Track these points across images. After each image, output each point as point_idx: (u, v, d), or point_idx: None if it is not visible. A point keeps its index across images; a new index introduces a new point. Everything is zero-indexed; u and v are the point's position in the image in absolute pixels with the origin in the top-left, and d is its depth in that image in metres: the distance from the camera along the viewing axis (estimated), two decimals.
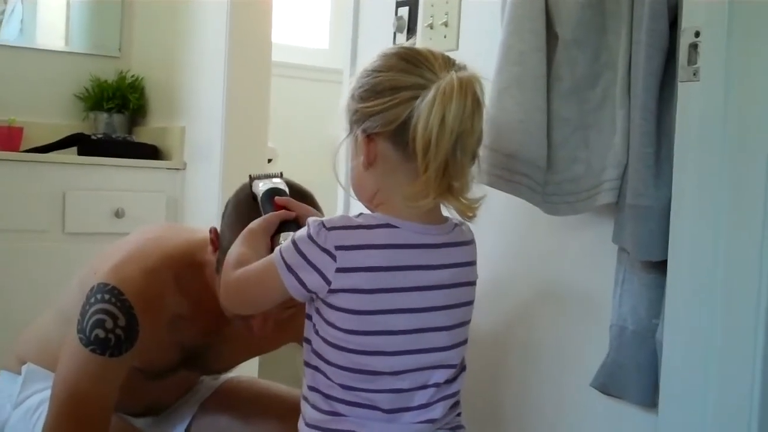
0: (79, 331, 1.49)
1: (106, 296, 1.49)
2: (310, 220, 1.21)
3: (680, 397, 1.34)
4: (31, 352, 1.74)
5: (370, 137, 1.21)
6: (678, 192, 1.34)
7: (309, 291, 1.20)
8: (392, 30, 2.14)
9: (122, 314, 1.48)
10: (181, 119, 3.21)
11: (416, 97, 1.16)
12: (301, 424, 1.27)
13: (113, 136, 3.26)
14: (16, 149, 3.08)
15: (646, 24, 1.42)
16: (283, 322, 1.50)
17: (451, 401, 1.27)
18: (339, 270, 1.17)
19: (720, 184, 1.28)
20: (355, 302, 1.18)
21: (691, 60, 1.31)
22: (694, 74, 1.31)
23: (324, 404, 1.23)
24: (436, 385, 1.24)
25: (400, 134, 1.18)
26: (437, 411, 1.25)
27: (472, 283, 1.30)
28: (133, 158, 3.13)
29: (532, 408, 1.75)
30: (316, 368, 1.24)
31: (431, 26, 2.01)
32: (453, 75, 1.16)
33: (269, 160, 3.21)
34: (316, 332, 1.23)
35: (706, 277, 1.30)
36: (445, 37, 1.98)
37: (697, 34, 1.30)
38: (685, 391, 1.33)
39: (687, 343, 1.33)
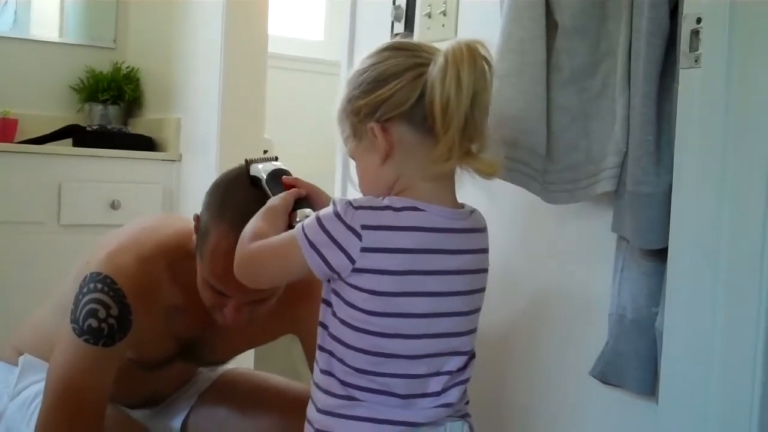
0: (72, 321, 1.49)
1: (99, 285, 1.49)
2: (336, 198, 1.21)
3: (681, 387, 1.33)
4: (28, 344, 1.73)
5: (384, 126, 1.21)
6: (679, 179, 1.34)
7: (331, 269, 1.19)
8: (390, 19, 2.13)
9: (115, 303, 1.48)
10: (176, 111, 3.20)
11: (422, 74, 1.18)
12: (311, 411, 1.26)
13: (108, 127, 3.25)
14: (10, 141, 3.07)
15: (647, 11, 1.41)
16: (257, 312, 1.49)
17: (463, 387, 1.28)
18: (364, 249, 1.16)
19: (721, 171, 1.27)
20: (380, 283, 1.17)
21: (693, 47, 1.30)
22: (696, 61, 1.30)
23: (339, 389, 1.22)
24: (449, 372, 1.24)
25: (416, 111, 1.19)
26: (453, 395, 1.25)
27: (486, 270, 1.30)
28: (129, 150, 3.12)
29: (531, 396, 1.75)
30: (331, 353, 1.23)
31: (429, 15, 2.00)
32: (459, 41, 1.18)
33: (265, 152, 3.20)
34: (334, 314, 1.23)
35: (707, 264, 1.29)
36: (443, 26, 1.97)
37: (699, 21, 1.29)
38: (685, 380, 1.33)
39: (688, 332, 1.32)
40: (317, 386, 1.26)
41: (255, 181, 1.46)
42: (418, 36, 2.04)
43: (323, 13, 4.15)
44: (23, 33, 3.38)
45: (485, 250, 1.30)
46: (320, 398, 1.25)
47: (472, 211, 1.29)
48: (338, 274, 1.19)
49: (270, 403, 1.78)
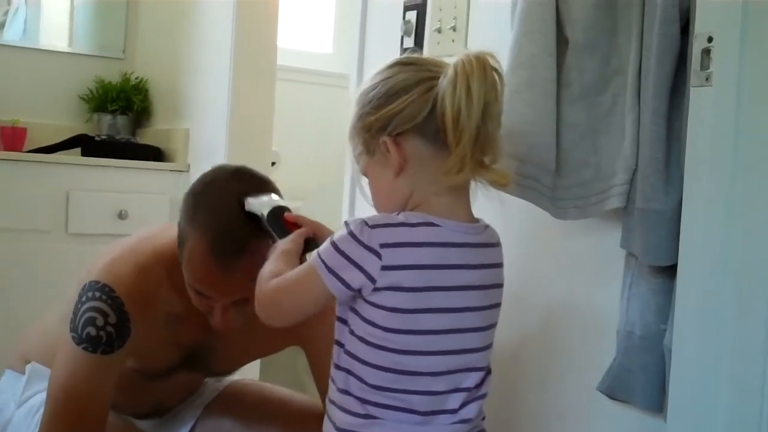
0: (71, 330, 1.51)
1: (97, 294, 1.50)
2: (350, 219, 1.21)
3: (689, 403, 1.33)
4: (35, 352, 1.74)
5: (397, 141, 1.21)
6: (689, 197, 1.34)
7: (352, 290, 1.18)
8: (400, 34, 2.14)
9: (113, 311, 1.49)
10: (185, 121, 3.21)
11: (432, 88, 1.19)
12: (328, 429, 1.26)
13: (117, 137, 3.26)
14: (19, 150, 3.08)
15: (658, 28, 1.42)
16: (247, 313, 1.48)
17: (480, 403, 1.27)
18: (385, 268, 1.16)
19: (731, 189, 1.27)
20: (400, 300, 1.17)
21: (704, 65, 1.31)
22: (707, 79, 1.30)
23: (358, 407, 1.21)
24: (467, 389, 1.24)
25: (428, 124, 1.19)
26: (470, 411, 1.25)
27: (501, 286, 1.30)
28: (137, 160, 3.13)
29: (539, 412, 1.75)
30: (348, 371, 1.23)
31: (439, 30, 2.01)
32: (468, 53, 1.19)
33: (273, 164, 3.21)
34: (351, 332, 1.22)
35: (716, 282, 1.29)
36: (453, 41, 1.98)
37: (710, 39, 1.30)
38: (694, 397, 1.32)
39: (696, 349, 1.32)
40: (334, 404, 1.25)
41: (252, 217, 1.46)
42: (428, 51, 2.05)
43: (332, 26, 4.16)
44: (33, 43, 3.40)
45: (500, 265, 1.30)
46: (338, 416, 1.24)
47: (486, 226, 1.30)
48: (360, 293, 1.18)
49: (274, 415, 1.78)
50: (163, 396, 1.79)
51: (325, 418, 1.28)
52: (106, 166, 3.05)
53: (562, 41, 1.57)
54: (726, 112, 1.28)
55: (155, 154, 3.22)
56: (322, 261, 1.19)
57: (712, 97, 1.30)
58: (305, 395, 1.83)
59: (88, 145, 3.13)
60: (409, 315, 1.18)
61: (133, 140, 3.28)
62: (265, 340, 1.68)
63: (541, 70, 1.55)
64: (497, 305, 1.29)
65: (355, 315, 1.21)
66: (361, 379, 1.21)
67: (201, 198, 1.49)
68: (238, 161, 2.93)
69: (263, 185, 1.52)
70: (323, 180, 3.49)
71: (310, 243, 1.37)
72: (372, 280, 1.16)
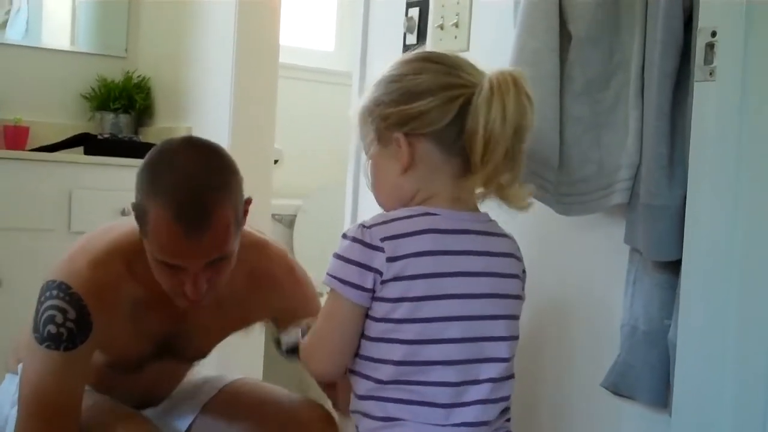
0: (34, 330, 1.51)
1: (54, 292, 1.51)
2: (347, 230, 1.22)
3: (694, 399, 1.33)
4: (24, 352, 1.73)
5: (411, 140, 1.21)
6: (693, 192, 1.34)
7: (368, 291, 1.20)
8: (402, 31, 2.13)
9: (71, 307, 1.49)
10: (187, 120, 3.21)
11: (459, 96, 1.18)
12: None
13: (119, 136, 3.25)
14: (22, 148, 3.08)
15: (661, 23, 1.42)
16: (217, 283, 1.49)
17: (503, 404, 1.27)
18: (389, 259, 1.17)
19: (735, 184, 1.27)
20: (407, 289, 1.18)
21: (708, 60, 1.31)
22: (710, 74, 1.30)
23: (377, 410, 1.22)
24: (491, 380, 1.24)
25: (448, 132, 1.19)
26: (490, 412, 1.24)
27: (516, 276, 1.30)
28: (140, 158, 3.11)
29: (541, 408, 1.75)
30: (361, 374, 1.23)
31: (442, 27, 2.01)
32: (503, 71, 1.19)
33: (275, 161, 3.21)
34: (366, 337, 1.23)
35: (720, 277, 1.29)
36: (455, 37, 1.97)
37: (714, 34, 1.30)
38: (699, 392, 1.32)
39: (701, 344, 1.32)
40: (357, 412, 1.26)
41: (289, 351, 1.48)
42: (431, 48, 2.04)
43: (334, 24, 4.16)
44: (35, 41, 3.39)
45: (511, 255, 1.30)
46: (362, 423, 1.25)
47: (490, 219, 1.30)
48: (373, 292, 1.20)
49: (269, 415, 1.76)
50: (148, 388, 1.78)
51: (351, 428, 1.29)
52: (109, 164, 3.04)
53: (565, 37, 1.57)
54: (730, 107, 1.28)
55: None
56: (334, 277, 1.20)
57: (715, 92, 1.30)
58: (303, 396, 1.82)
59: (91, 144, 3.13)
60: (416, 303, 1.18)
61: (135, 139, 3.27)
62: (233, 318, 1.69)
63: (543, 65, 1.55)
64: (515, 297, 1.29)
65: (367, 320, 1.22)
66: (376, 379, 1.21)
67: (158, 167, 1.48)
68: (240, 159, 2.91)
69: (215, 149, 1.51)
70: (326, 177, 3.49)
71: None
72: (379, 273, 1.17)
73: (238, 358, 2.60)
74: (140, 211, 1.47)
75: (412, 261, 1.18)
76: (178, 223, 1.40)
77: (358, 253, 1.18)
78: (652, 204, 1.43)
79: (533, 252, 1.77)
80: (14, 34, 3.35)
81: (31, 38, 3.38)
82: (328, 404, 1.68)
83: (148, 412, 1.82)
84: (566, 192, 1.56)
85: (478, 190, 1.22)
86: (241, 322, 1.75)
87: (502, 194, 1.24)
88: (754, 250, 1.26)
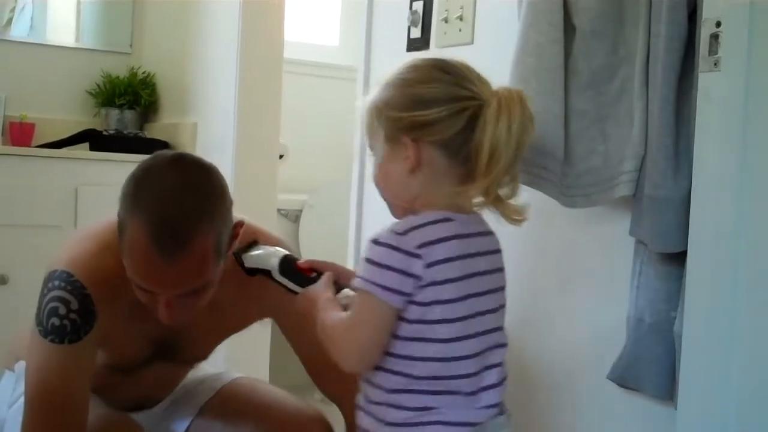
0: (37, 324, 1.48)
1: (56, 282, 1.47)
2: (377, 235, 1.24)
3: (700, 390, 1.33)
4: (24, 349, 1.72)
5: (418, 145, 1.25)
6: (698, 183, 1.34)
7: (407, 295, 1.22)
8: (406, 24, 2.13)
9: (74, 297, 1.45)
10: (192, 115, 3.21)
11: (467, 108, 1.22)
12: (375, 428, 1.28)
13: (125, 132, 3.26)
14: (28, 145, 3.09)
15: (665, 15, 1.41)
16: (196, 306, 1.45)
17: (506, 385, 1.31)
18: (428, 265, 1.20)
19: (740, 174, 1.27)
20: (439, 293, 1.21)
21: (712, 50, 1.30)
22: (715, 64, 1.30)
23: (410, 402, 1.24)
24: (500, 364, 1.28)
25: (454, 141, 1.23)
26: (503, 393, 1.29)
27: (503, 269, 1.34)
28: (145, 154, 3.11)
29: (548, 401, 1.75)
30: (391, 371, 1.25)
31: (446, 20, 2.01)
32: (510, 89, 1.24)
33: (280, 156, 3.21)
34: (396, 336, 1.24)
35: (726, 268, 1.29)
36: (460, 30, 1.97)
37: (718, 24, 1.29)
38: (704, 384, 1.32)
39: (706, 335, 1.32)
40: (382, 404, 1.27)
41: (252, 272, 1.43)
42: (435, 41, 2.05)
43: (338, 19, 4.16)
44: (40, 38, 3.40)
45: (500, 251, 1.34)
46: (390, 414, 1.26)
47: (483, 219, 1.33)
48: (410, 296, 1.22)
49: (265, 416, 1.75)
50: (145, 390, 1.75)
51: (368, 419, 1.29)
52: (115, 160, 3.04)
53: (569, 29, 1.57)
54: (734, 97, 1.27)
55: (163, 148, 3.21)
56: (374, 283, 1.22)
57: (720, 82, 1.30)
58: (296, 399, 1.81)
59: (97, 140, 3.14)
60: (454, 304, 1.23)
61: (141, 134, 3.28)
62: (230, 319, 1.67)
63: (548, 58, 1.55)
64: (503, 288, 1.33)
65: (399, 321, 1.24)
66: (410, 375, 1.24)
67: (142, 183, 1.42)
68: (245, 154, 2.97)
69: (204, 171, 1.46)
70: (331, 172, 3.48)
71: (335, 284, 1.38)
72: (418, 278, 1.21)
73: (244, 356, 2.61)
74: (121, 225, 1.42)
75: (444, 266, 1.22)
76: (153, 247, 1.35)
77: (395, 260, 1.21)
78: (657, 195, 1.43)
79: (537, 244, 1.77)
80: (19, 31, 3.36)
81: (36, 35, 3.39)
82: (328, 406, 1.69)
83: (145, 414, 1.80)
84: (571, 184, 1.56)
85: (478, 200, 1.27)
86: (239, 322, 1.74)
87: (500, 207, 1.28)
88: (760, 241, 1.26)
